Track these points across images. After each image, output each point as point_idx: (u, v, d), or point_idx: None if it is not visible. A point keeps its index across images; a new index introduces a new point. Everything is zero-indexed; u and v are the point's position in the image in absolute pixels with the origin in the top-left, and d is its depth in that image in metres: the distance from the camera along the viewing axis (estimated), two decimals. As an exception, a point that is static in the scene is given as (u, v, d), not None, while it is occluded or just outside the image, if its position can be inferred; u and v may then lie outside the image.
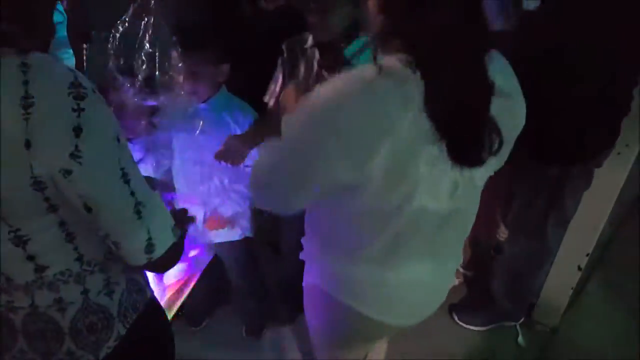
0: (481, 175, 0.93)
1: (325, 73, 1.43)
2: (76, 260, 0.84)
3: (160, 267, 0.91)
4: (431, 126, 0.78)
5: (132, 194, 0.78)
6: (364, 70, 0.81)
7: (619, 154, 1.74)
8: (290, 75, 1.52)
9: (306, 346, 1.79)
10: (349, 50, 1.39)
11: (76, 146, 0.69)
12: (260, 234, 1.89)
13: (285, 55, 1.55)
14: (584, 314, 2.20)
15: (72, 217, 0.79)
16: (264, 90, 1.64)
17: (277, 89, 1.57)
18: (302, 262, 1.66)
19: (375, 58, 0.81)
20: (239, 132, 1.63)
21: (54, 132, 0.68)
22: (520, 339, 2.14)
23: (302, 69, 1.47)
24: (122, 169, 0.76)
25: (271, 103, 1.59)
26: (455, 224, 0.99)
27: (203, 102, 1.61)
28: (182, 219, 1.02)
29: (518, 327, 2.18)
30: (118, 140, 0.75)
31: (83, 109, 0.69)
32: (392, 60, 0.79)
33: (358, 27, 1.40)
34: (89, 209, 0.75)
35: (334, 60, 1.41)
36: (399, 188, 0.84)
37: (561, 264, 2.07)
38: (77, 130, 0.69)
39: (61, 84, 0.69)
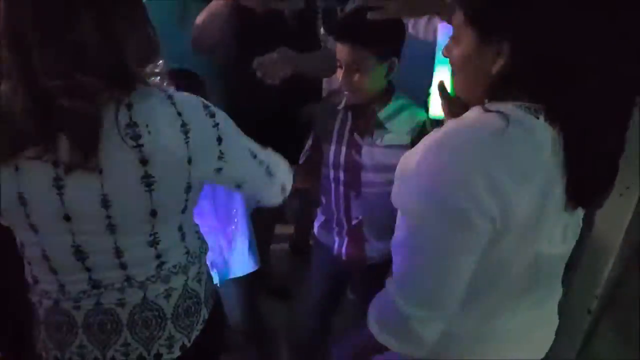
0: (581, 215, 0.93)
1: (357, 137, 1.46)
2: (185, 254, 1.02)
3: None
4: (563, 170, 0.77)
5: (261, 162, 1.03)
6: (486, 120, 0.77)
7: (621, 195, 1.81)
8: (320, 138, 1.55)
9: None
10: (384, 113, 1.43)
11: (220, 151, 0.92)
12: (262, 278, 1.90)
13: (318, 116, 1.59)
14: (596, 358, 2.19)
15: (188, 219, 1.01)
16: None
17: (309, 152, 1.62)
18: (311, 309, 1.67)
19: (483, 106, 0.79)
20: None
21: (206, 146, 0.90)
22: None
23: (335, 130, 1.50)
24: (249, 149, 1.01)
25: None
26: (557, 267, 0.96)
27: None
28: None
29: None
30: (238, 129, 0.99)
31: (218, 123, 0.91)
32: (509, 108, 0.77)
33: (392, 89, 1.46)
34: (239, 186, 1.02)
35: (367, 124, 1.44)
36: (527, 237, 0.80)
37: (570, 308, 2.09)
38: (219, 140, 0.91)
39: (200, 109, 0.90)
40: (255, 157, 1.01)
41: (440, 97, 1.15)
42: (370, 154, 1.44)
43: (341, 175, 1.48)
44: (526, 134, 0.75)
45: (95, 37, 0.77)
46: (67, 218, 0.86)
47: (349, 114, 1.48)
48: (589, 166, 0.80)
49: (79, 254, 0.90)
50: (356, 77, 1.37)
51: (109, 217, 0.86)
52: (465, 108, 1.13)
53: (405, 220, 0.82)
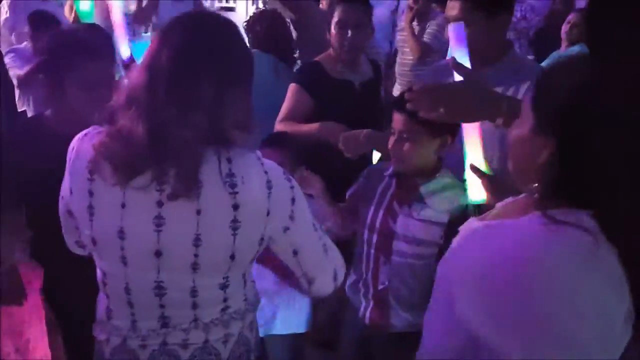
0: None
1: (396, 205, 1.48)
2: (244, 301, 1.09)
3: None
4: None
5: (320, 237, 1.09)
6: (569, 236, 0.74)
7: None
8: (361, 199, 1.59)
9: None
10: (426, 187, 1.44)
11: (292, 211, 1.02)
12: (316, 331, 1.91)
13: (364, 178, 1.64)
14: None
15: (250, 270, 1.09)
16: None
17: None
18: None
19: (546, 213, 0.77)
20: None
21: (283, 203, 1.01)
22: None
23: (376, 195, 1.54)
24: (312, 221, 1.08)
25: None
26: None
27: None
28: None
29: None
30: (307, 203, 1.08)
31: (293, 187, 1.03)
32: (584, 219, 0.75)
33: (439, 166, 1.47)
34: (295, 253, 1.05)
35: (408, 195, 1.46)
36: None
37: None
38: (292, 200, 1.02)
39: (281, 172, 1.03)
40: (316, 229, 1.08)
41: (479, 177, 1.16)
42: (405, 224, 1.44)
43: (374, 238, 1.50)
44: (611, 249, 0.73)
45: (210, 99, 0.93)
46: (159, 254, 0.96)
47: (393, 181, 1.51)
48: None
49: (159, 289, 0.99)
50: (406, 146, 1.39)
51: (196, 255, 0.96)
52: (504, 186, 1.10)
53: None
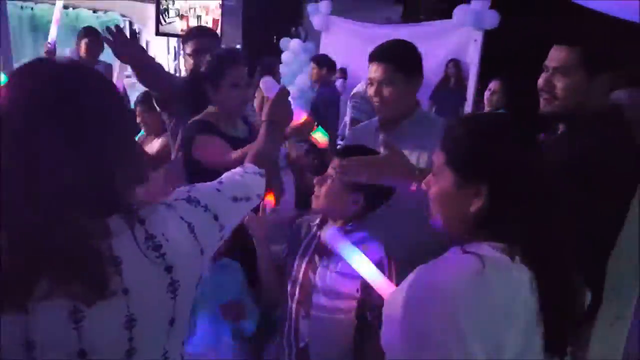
0: None
1: (316, 257, 1.48)
2: None
3: None
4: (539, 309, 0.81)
5: (240, 199, 1.07)
6: (464, 263, 0.80)
7: (611, 325, 1.71)
8: (292, 249, 1.57)
9: None
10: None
11: (220, 224, 0.97)
12: None
13: (291, 230, 1.62)
14: None
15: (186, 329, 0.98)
16: None
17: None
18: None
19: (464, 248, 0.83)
20: None
21: (209, 231, 0.95)
22: None
23: (302, 246, 1.53)
24: (230, 198, 1.04)
25: None
26: None
27: None
28: None
29: None
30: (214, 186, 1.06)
31: (206, 205, 0.95)
32: (485, 249, 0.81)
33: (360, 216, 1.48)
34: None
35: (327, 247, 1.42)
36: None
37: None
38: (215, 217, 0.96)
39: (190, 206, 0.94)
40: (236, 199, 1.04)
41: None
42: (323, 276, 1.42)
43: (296, 291, 1.47)
44: (502, 274, 0.78)
45: (86, 173, 0.77)
46: (83, 354, 0.78)
47: (318, 233, 1.48)
48: (564, 311, 0.82)
49: None
50: (324, 188, 1.45)
51: (131, 339, 0.82)
52: None
53: None
